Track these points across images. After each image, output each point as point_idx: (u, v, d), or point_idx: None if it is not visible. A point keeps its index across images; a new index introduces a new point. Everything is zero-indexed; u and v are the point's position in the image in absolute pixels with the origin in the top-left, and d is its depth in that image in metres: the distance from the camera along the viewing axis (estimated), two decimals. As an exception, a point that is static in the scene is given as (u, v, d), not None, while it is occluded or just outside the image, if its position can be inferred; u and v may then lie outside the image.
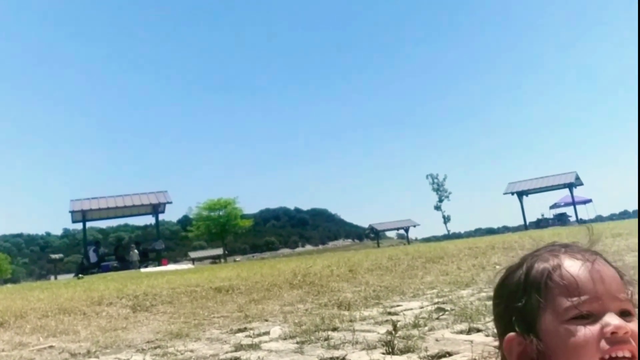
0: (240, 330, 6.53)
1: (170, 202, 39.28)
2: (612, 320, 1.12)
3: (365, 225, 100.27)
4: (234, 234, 58.91)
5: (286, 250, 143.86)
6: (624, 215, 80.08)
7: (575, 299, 1.16)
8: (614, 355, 1.10)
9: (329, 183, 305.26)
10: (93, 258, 34.63)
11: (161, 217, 41.53)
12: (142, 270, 26.39)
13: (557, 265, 1.22)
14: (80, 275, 26.76)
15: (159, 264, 33.62)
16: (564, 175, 50.47)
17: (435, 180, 75.56)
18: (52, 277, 39.78)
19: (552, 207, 53.53)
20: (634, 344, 1.11)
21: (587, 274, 1.18)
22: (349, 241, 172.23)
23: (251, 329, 6.55)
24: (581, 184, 51.40)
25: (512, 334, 1.24)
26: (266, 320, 7.04)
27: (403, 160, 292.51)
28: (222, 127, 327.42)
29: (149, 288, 9.73)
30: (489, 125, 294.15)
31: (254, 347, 5.51)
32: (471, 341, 4.95)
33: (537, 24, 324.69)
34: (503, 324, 1.27)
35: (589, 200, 52.93)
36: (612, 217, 69.97)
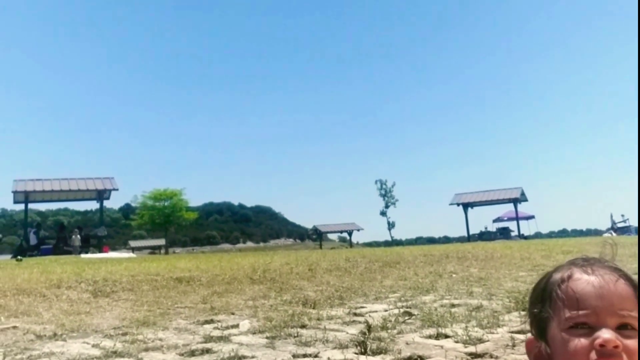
0: (207, 322, 6.49)
1: (117, 189, 38.73)
2: (603, 334, 1.22)
3: (308, 225, 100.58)
4: (177, 226, 58.39)
5: (227, 246, 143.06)
6: (563, 233, 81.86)
7: (574, 312, 1.27)
8: None
9: (275, 181, 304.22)
10: (33, 240, 33.90)
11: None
12: (83, 256, 25.96)
13: (567, 277, 1.34)
14: (19, 257, 26.18)
15: (100, 251, 33.10)
16: (510, 190, 51.28)
17: (384, 186, 75.84)
18: (-11, 258, 38.79)
19: (496, 220, 54.30)
20: (624, 358, 1.20)
21: (590, 289, 1.29)
22: (290, 240, 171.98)
23: (218, 321, 6.52)
24: (525, 200, 52.27)
25: (530, 336, 1.40)
26: (232, 314, 7.01)
27: (350, 164, 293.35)
28: (171, 116, 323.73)
29: (108, 274, 9.60)
30: (440, 135, 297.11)
31: (224, 339, 5.49)
32: (441, 346, 5.02)
33: (492, 37, 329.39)
34: (529, 327, 1.42)
35: (532, 217, 53.92)
36: (550, 235, 71.38)
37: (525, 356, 4.33)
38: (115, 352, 4.96)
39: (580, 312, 1.26)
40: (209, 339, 5.53)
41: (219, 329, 6.04)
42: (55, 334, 5.80)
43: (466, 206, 51.40)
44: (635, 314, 1.27)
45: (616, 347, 1.20)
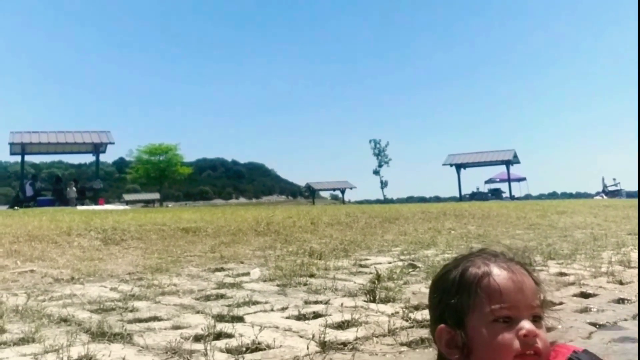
0: (217, 270, 6.69)
1: (113, 143, 38.61)
2: (525, 325, 1.38)
3: (300, 183, 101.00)
4: (171, 180, 58.43)
5: (219, 201, 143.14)
6: (553, 196, 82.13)
7: (498, 305, 1.40)
8: (524, 352, 1.37)
9: (269, 138, 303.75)
10: (29, 192, 33.99)
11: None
12: (79, 207, 26.07)
13: (487, 272, 1.46)
14: (16, 207, 26.35)
15: (96, 203, 33.26)
16: (503, 152, 51.39)
17: (378, 146, 75.97)
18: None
19: (487, 182, 54.52)
20: (540, 345, 1.38)
21: (510, 284, 1.43)
22: (282, 197, 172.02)
23: (229, 269, 6.72)
24: (518, 162, 52.43)
25: (442, 325, 1.47)
26: (241, 262, 7.21)
27: (343, 123, 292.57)
28: (168, 73, 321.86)
29: (116, 223, 9.77)
30: (435, 96, 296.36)
31: (237, 286, 5.68)
32: (446, 297, 5.21)
33: (489, 1, 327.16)
34: (436, 314, 1.51)
35: (524, 179, 54.22)
36: (540, 197, 71.52)
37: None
38: (133, 296, 5.15)
39: (504, 306, 1.40)
40: (222, 285, 5.73)
41: (230, 276, 6.22)
42: (72, 278, 5.99)
43: (459, 167, 51.50)
44: (539, 304, 1.45)
45: (535, 336, 1.38)
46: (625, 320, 4.78)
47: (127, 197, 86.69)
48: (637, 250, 8.33)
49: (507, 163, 50.47)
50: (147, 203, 73.69)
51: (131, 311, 4.61)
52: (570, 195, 77.92)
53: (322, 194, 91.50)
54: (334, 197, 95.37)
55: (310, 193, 76.23)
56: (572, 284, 6.00)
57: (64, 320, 4.28)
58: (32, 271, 6.20)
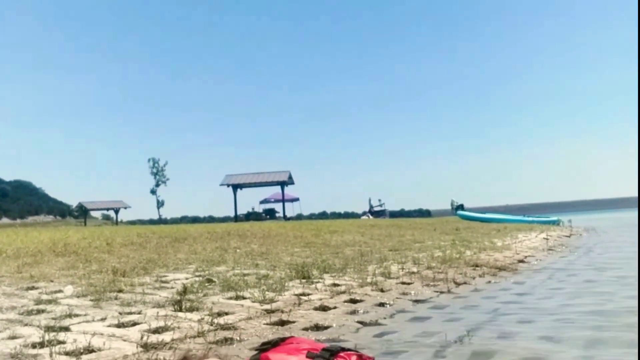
0: (30, 288, 7.08)
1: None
2: None
3: (71, 202, 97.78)
4: None
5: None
6: (323, 215, 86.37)
7: None
8: None
9: (38, 154, 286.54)
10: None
11: None
12: None
13: None
14: None
15: None
16: (279, 173, 53.72)
17: (156, 165, 75.75)
18: None
19: (262, 202, 56.61)
20: None
21: None
22: (50, 217, 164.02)
23: (41, 287, 7.15)
24: (292, 183, 55.00)
25: None
26: (51, 281, 7.66)
27: (119, 141, 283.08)
28: None
29: None
30: (211, 116, 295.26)
31: (54, 302, 6.19)
32: (242, 305, 6.24)
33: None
34: None
35: (297, 199, 56.93)
36: (311, 216, 75.04)
37: (309, 311, 5.81)
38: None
39: None
40: (39, 301, 6.21)
41: (45, 293, 6.69)
42: None
43: (236, 187, 53.06)
44: None
45: None
46: (384, 319, 6.11)
47: None
48: (396, 264, 9.85)
49: (282, 184, 52.85)
50: None
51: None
52: (339, 215, 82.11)
53: (94, 213, 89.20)
54: (106, 217, 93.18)
55: (81, 213, 74.12)
56: (344, 292, 7.24)
57: None
58: None
